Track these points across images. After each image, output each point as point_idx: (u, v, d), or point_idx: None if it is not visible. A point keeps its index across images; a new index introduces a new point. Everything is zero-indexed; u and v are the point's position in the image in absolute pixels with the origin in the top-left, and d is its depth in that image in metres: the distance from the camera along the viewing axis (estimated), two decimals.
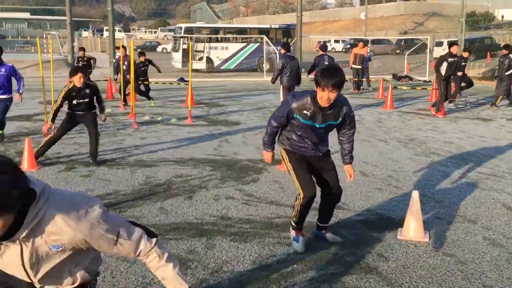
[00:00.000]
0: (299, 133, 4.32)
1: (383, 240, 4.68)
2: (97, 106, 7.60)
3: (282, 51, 12.49)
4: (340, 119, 4.27)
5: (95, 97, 7.45)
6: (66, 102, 7.19)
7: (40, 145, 7.49)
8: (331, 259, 4.25)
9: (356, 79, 19.68)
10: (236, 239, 4.65)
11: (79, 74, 7.06)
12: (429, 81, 24.35)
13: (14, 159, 7.62)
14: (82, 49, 17.67)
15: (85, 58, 16.90)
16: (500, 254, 4.41)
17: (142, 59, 15.19)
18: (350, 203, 5.80)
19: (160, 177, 6.77)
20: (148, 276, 3.89)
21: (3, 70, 8.74)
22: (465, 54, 15.14)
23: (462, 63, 14.63)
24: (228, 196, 5.98)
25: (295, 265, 4.11)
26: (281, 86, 12.23)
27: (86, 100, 7.27)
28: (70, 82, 7.22)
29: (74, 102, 7.22)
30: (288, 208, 5.55)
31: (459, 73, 14.30)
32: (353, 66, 19.71)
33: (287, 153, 4.44)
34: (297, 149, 4.40)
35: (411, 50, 33.57)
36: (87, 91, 7.26)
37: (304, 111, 4.16)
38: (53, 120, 7.14)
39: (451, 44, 13.90)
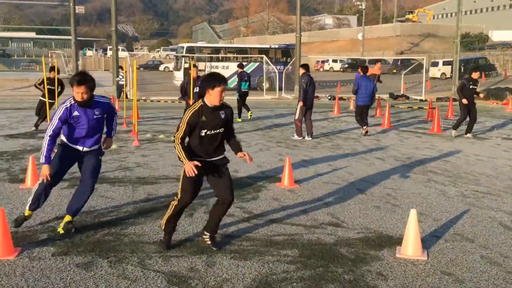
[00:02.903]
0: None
1: (382, 259, 4.73)
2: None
3: (302, 71, 12.26)
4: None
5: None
6: None
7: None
8: (330, 277, 4.29)
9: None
10: (236, 257, 4.69)
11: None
12: (425, 100, 24.57)
13: (18, 176, 7.70)
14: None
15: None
16: (497, 273, 4.45)
17: (51, 75, 12.67)
18: (349, 221, 5.86)
19: (162, 194, 6.84)
20: None
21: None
22: (475, 75, 12.72)
23: (470, 86, 12.49)
24: (228, 214, 6.01)
25: (294, 284, 4.15)
26: (300, 104, 12.03)
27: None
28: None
29: None
30: (288, 226, 5.61)
31: (463, 101, 12.42)
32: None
33: None
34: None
35: (407, 70, 33.91)
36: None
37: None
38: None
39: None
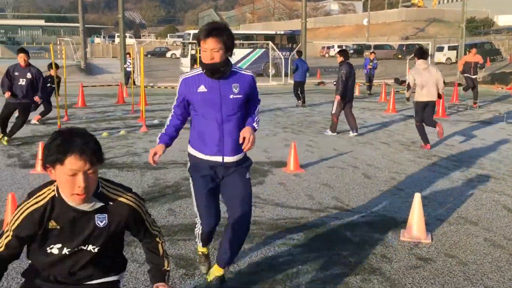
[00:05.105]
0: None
1: (386, 241, 4.79)
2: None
3: (340, 59, 10.58)
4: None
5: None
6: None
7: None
8: (335, 260, 4.35)
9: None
10: None
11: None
12: None
13: (29, 162, 7.83)
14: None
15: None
16: (501, 255, 4.50)
17: (52, 72, 12.02)
18: (354, 204, 5.93)
19: (169, 179, 6.92)
20: None
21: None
22: None
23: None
24: None
25: (300, 266, 4.22)
26: (336, 98, 10.52)
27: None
28: None
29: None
30: (294, 210, 5.68)
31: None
32: (466, 75, 16.19)
33: None
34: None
35: (412, 55, 33.72)
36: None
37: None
38: None
39: None
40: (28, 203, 2.25)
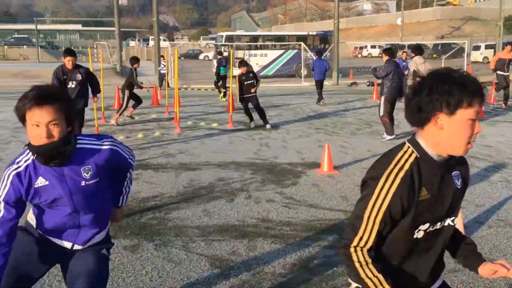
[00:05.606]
0: None
1: None
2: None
3: (386, 57, 10.22)
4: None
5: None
6: None
7: None
8: None
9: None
10: (277, 241, 4.77)
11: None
12: None
13: None
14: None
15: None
16: None
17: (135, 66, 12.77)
18: None
19: (203, 180, 6.98)
20: (192, 277, 4.07)
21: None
22: None
23: None
24: (268, 199, 6.12)
25: (335, 268, 4.18)
26: (383, 98, 10.12)
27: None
28: None
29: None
30: (328, 211, 5.65)
31: None
32: (499, 72, 15.56)
33: None
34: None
35: (448, 54, 33.09)
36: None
37: None
38: None
39: None
40: (392, 170, 1.78)
